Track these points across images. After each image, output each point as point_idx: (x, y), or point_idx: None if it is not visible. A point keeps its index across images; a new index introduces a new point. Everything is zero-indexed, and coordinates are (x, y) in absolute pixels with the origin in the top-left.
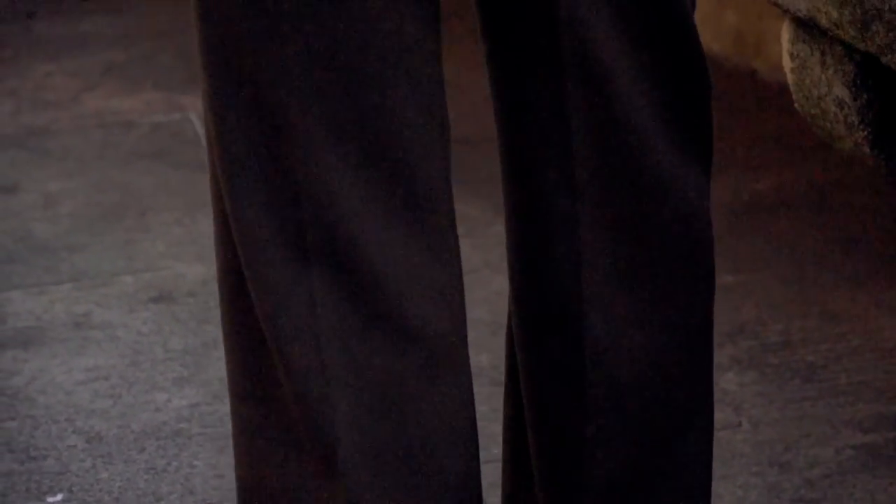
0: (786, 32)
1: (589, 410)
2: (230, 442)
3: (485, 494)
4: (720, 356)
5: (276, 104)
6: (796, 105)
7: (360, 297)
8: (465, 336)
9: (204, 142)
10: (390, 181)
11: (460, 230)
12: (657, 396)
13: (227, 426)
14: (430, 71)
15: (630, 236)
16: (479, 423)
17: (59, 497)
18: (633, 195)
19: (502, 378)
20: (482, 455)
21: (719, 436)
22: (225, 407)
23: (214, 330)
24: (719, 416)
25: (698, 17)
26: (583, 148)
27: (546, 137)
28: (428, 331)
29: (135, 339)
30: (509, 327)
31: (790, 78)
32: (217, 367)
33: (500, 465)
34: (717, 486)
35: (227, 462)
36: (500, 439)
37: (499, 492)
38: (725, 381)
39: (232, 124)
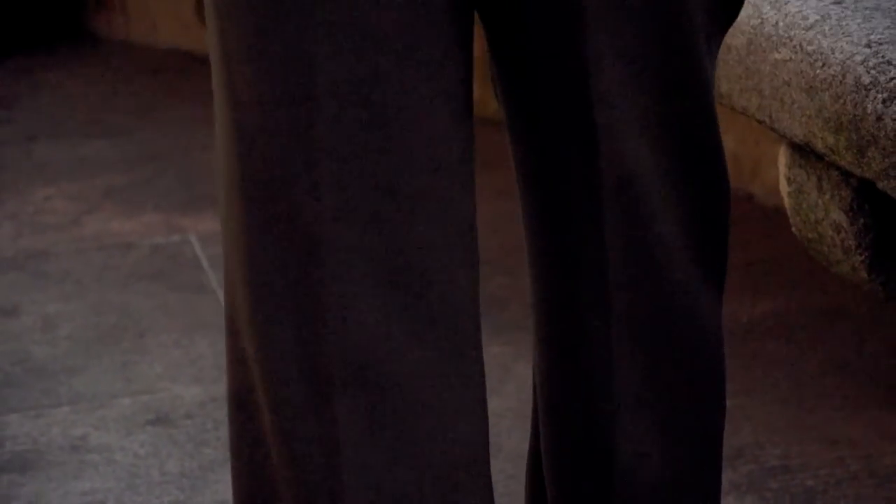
0: (783, 157)
1: None
2: None
3: None
4: None
5: (308, 227)
6: (793, 229)
7: (383, 425)
8: (488, 461)
9: (204, 263)
10: (419, 310)
11: None
12: None
13: None
14: (462, 195)
15: (656, 355)
16: None
17: None
18: (662, 317)
19: (502, 501)
20: None
21: None
22: None
23: (212, 452)
24: None
25: None
26: (618, 271)
27: (583, 262)
28: (451, 457)
29: (132, 463)
30: (531, 454)
31: (787, 202)
32: (214, 489)
33: None
34: None
35: None
36: None
37: None
38: None
39: (264, 247)
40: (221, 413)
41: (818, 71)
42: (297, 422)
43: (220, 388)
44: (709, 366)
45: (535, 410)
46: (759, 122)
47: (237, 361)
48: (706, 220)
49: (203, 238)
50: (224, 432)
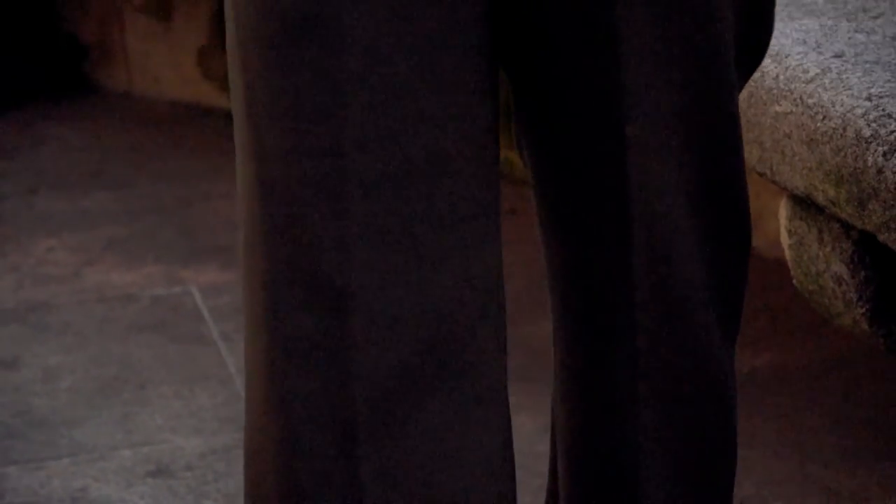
0: (784, 209)
1: None
2: None
3: None
4: None
5: (335, 279)
6: (795, 281)
7: (407, 480)
8: None
9: (205, 315)
10: (444, 361)
11: None
12: None
13: None
14: (488, 247)
15: (681, 415)
16: None
17: None
18: (688, 376)
19: None
20: None
21: None
22: None
23: None
24: None
25: None
26: (646, 324)
27: (611, 312)
28: None
29: None
30: None
31: (788, 254)
32: None
33: None
34: None
35: None
36: None
37: None
38: None
39: (289, 298)
40: (222, 464)
41: (819, 124)
42: (319, 476)
43: (221, 440)
44: (725, 416)
45: (552, 470)
46: (760, 174)
47: (256, 413)
48: (729, 271)
49: (204, 289)
50: (224, 484)
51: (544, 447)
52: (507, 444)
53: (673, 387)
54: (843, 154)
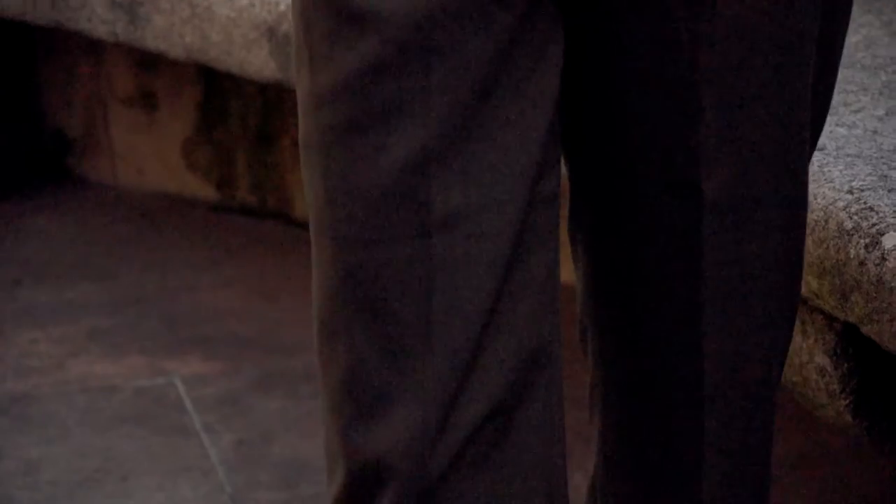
0: None
1: None
2: None
3: None
4: None
5: (415, 369)
6: None
7: None
8: None
9: (188, 406)
10: (498, 447)
11: None
12: None
13: None
14: (545, 315)
15: (738, 482)
16: None
17: None
18: (751, 450)
19: None
20: None
21: None
22: None
23: None
24: None
25: None
26: (715, 413)
27: (678, 404)
28: None
29: None
30: None
31: None
32: None
33: None
34: None
35: None
36: None
37: None
38: None
39: (373, 391)
40: None
41: None
42: None
43: None
44: (768, 478)
45: None
46: None
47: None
48: (783, 341)
49: (187, 380)
50: None
51: None
52: None
53: (734, 461)
54: (825, 246)
